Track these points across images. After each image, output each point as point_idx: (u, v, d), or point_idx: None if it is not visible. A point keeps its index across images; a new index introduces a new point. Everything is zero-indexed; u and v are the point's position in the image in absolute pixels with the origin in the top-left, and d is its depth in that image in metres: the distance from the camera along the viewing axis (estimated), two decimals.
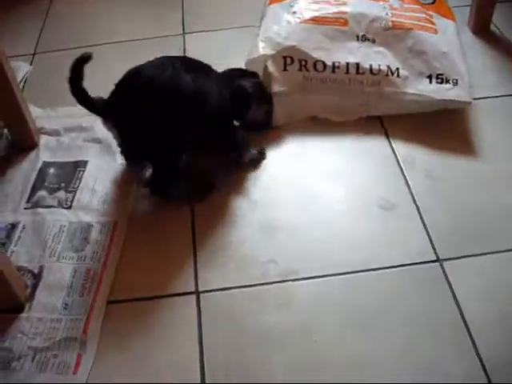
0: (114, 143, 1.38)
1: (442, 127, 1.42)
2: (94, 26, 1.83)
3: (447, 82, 1.41)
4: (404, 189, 1.28)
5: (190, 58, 1.29)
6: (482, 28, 1.62)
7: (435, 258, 1.16)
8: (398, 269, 1.15)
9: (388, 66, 1.41)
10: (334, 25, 1.46)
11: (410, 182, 1.29)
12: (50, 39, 1.80)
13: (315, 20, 1.46)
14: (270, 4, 1.59)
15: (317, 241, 1.20)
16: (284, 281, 1.13)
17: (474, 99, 1.43)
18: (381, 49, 1.44)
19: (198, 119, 1.20)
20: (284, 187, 1.31)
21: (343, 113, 1.43)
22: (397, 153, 1.36)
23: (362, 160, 1.36)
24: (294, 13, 1.49)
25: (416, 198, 1.26)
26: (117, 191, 1.31)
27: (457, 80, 1.41)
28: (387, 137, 1.40)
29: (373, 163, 1.35)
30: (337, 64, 1.40)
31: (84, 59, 1.13)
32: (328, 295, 1.11)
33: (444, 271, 1.13)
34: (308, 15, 1.47)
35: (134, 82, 1.18)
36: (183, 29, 1.78)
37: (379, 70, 1.40)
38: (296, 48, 1.41)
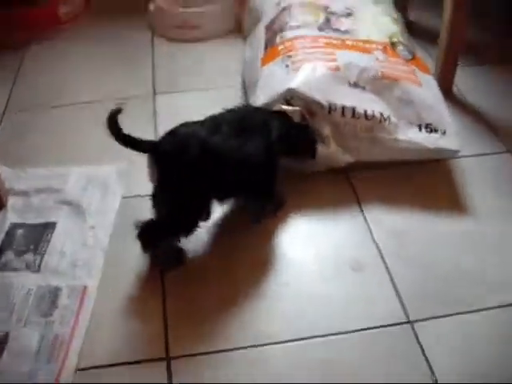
0: (83, 205, 1.38)
1: (412, 185, 1.45)
2: (63, 85, 1.84)
3: (436, 131, 1.45)
4: (373, 249, 1.30)
5: (246, 114, 1.33)
6: (445, 90, 1.67)
7: (406, 320, 1.16)
8: (369, 331, 1.14)
9: (381, 113, 1.43)
10: (327, 69, 1.48)
11: (378, 243, 1.31)
12: (20, 98, 1.80)
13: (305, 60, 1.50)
14: (262, 66, 1.60)
15: (288, 304, 1.20)
16: (256, 345, 1.12)
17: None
18: (372, 96, 1.47)
19: (239, 181, 1.26)
20: (254, 248, 1.31)
21: (330, 159, 1.44)
22: (365, 212, 1.38)
23: (331, 220, 1.37)
24: (287, 66, 1.52)
25: (385, 258, 1.27)
26: (86, 254, 1.29)
27: (445, 130, 1.45)
28: (356, 196, 1.42)
29: (343, 223, 1.36)
30: (333, 107, 1.42)
31: (116, 112, 1.17)
32: (300, 360, 1.10)
33: (415, 333, 1.14)
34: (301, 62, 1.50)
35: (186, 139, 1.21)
36: (154, 90, 1.80)
37: (373, 115, 1.42)
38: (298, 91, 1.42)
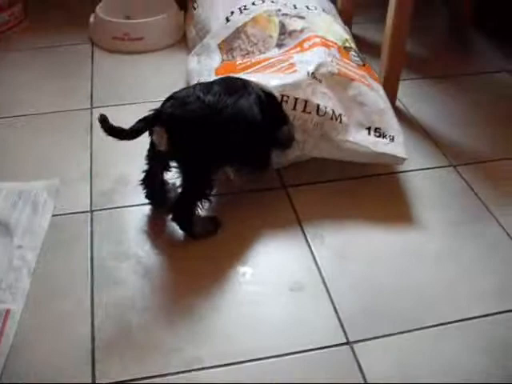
0: (11, 223, 1.31)
1: (355, 200, 1.43)
2: (5, 97, 1.77)
3: (384, 136, 1.44)
4: (313, 269, 1.26)
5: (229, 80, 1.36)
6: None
7: (345, 341, 1.13)
8: (308, 353, 1.10)
9: (333, 110, 1.41)
10: (281, 71, 1.46)
11: (318, 262, 1.27)
12: None
13: (263, 67, 1.49)
14: (216, 75, 1.56)
15: (224, 325, 1.15)
16: (188, 371, 1.07)
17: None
18: (326, 90, 1.44)
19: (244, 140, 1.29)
20: (188, 270, 1.26)
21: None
22: (305, 230, 1.34)
23: (271, 239, 1.33)
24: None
25: (325, 278, 1.24)
26: (11, 276, 1.22)
27: (393, 136, 1.44)
28: (295, 213, 1.39)
29: (282, 242, 1.33)
30: (285, 98, 1.39)
31: (103, 119, 1.21)
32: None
33: (354, 354, 1.10)
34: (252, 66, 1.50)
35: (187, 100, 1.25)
36: (91, 103, 1.74)
37: (325, 112, 1.40)
38: None
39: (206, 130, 1.23)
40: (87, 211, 1.38)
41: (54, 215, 1.37)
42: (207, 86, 1.29)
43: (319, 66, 1.45)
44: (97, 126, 1.61)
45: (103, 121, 1.20)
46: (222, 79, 1.37)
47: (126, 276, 1.24)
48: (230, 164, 1.35)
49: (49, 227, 1.33)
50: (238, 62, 1.59)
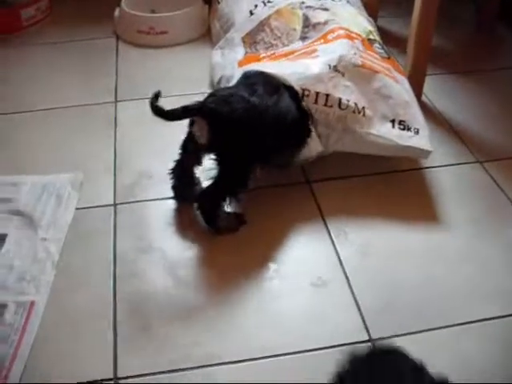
0: (35, 216, 1.32)
1: (378, 196, 1.41)
2: (20, 92, 1.78)
3: (409, 129, 1.42)
4: (337, 265, 1.25)
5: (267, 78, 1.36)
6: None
7: (367, 338, 1.12)
8: (329, 350, 1.10)
9: (355, 104, 1.39)
10: (304, 56, 1.47)
11: (342, 258, 1.26)
12: None
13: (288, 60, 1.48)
14: (239, 67, 1.57)
15: (244, 321, 1.15)
16: (207, 365, 1.07)
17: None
18: (349, 83, 1.42)
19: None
20: (210, 266, 1.26)
21: None
22: (329, 225, 1.33)
23: (295, 234, 1.32)
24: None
25: (348, 274, 1.23)
26: (36, 268, 1.23)
27: (418, 129, 1.42)
28: (319, 208, 1.38)
29: (305, 237, 1.32)
30: (306, 92, 1.37)
31: (156, 97, 1.24)
32: (256, 381, 1.05)
33: None
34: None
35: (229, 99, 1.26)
36: (115, 96, 1.75)
37: (347, 105, 1.38)
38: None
39: (250, 130, 1.24)
40: (111, 205, 1.38)
41: (77, 208, 1.37)
42: (250, 86, 1.29)
43: (341, 58, 1.43)
44: (121, 120, 1.65)
45: (154, 97, 1.23)
46: (259, 77, 1.36)
47: (148, 270, 1.24)
48: (265, 162, 1.34)
49: (72, 220, 1.34)
50: (261, 55, 1.58)
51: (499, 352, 1.10)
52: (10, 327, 1.12)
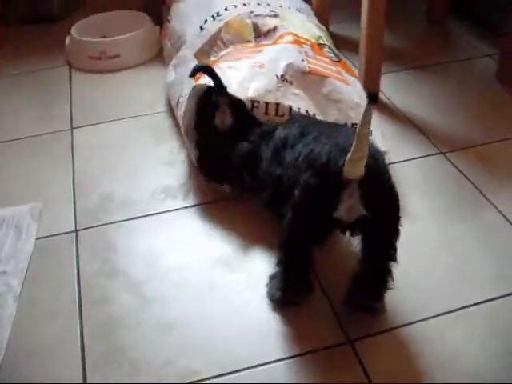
0: None
1: None
2: None
3: None
4: None
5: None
6: (371, 97, 1.63)
7: (345, 340, 1.09)
8: (308, 356, 1.07)
9: (306, 111, 1.37)
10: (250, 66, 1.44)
11: None
12: None
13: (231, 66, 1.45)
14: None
15: (218, 335, 1.11)
16: None
17: None
18: (298, 91, 1.40)
19: None
20: (180, 278, 1.23)
21: None
22: None
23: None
24: None
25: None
26: None
27: (371, 131, 1.40)
28: None
29: None
30: (256, 104, 1.35)
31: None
32: None
33: (356, 352, 1.06)
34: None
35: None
36: (71, 123, 1.72)
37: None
38: None
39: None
40: (72, 231, 1.35)
41: (38, 238, 1.33)
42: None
43: (288, 67, 1.42)
44: (78, 146, 1.62)
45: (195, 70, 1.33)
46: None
47: (114, 293, 1.20)
48: None
49: (33, 251, 1.30)
50: (211, 59, 1.56)
51: (486, 338, 1.08)
52: None
